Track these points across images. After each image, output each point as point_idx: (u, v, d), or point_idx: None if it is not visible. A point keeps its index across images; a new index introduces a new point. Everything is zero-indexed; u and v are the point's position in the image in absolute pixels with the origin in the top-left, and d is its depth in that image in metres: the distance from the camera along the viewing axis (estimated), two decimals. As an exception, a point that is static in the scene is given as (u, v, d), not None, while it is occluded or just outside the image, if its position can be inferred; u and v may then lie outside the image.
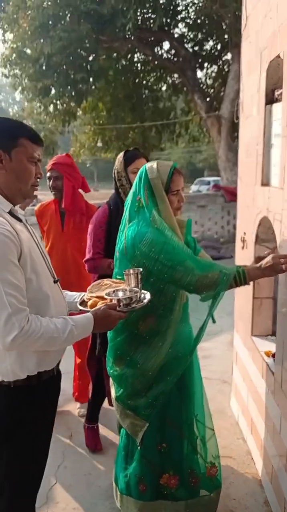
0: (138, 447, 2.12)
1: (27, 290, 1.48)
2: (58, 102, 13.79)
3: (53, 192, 3.27)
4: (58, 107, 13.98)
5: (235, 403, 3.30)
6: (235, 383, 3.33)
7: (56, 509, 2.40)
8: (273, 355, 2.44)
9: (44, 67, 12.35)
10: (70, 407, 3.46)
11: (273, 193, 2.36)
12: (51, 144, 15.83)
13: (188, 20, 12.98)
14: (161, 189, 1.94)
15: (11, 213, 1.54)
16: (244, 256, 3.04)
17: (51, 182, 3.24)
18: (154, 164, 1.99)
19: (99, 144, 15.78)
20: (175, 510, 2.16)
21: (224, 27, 12.22)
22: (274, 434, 2.27)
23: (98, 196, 16.04)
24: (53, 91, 13.19)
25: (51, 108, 14.18)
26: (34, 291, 1.51)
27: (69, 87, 12.79)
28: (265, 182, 2.60)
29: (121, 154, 2.65)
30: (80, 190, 3.32)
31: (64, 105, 13.90)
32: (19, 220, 1.58)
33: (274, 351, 2.39)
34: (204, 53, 13.72)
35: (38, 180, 1.59)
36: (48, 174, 3.23)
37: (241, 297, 3.20)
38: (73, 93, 13.09)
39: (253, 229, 2.80)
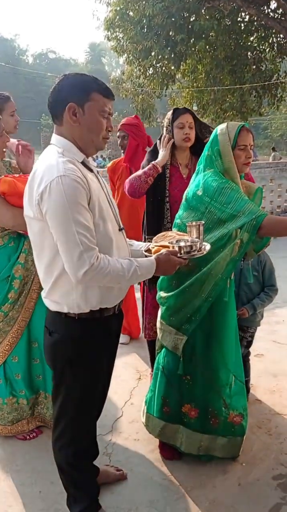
0: (162, 370, 2.35)
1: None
2: (157, 64, 13.75)
3: (122, 150, 3.66)
4: (157, 70, 13.95)
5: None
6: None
7: (119, 438, 2.66)
8: None
9: (145, 29, 12.36)
10: (139, 352, 3.72)
11: None
12: (149, 107, 15.86)
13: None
14: (226, 144, 2.11)
15: (83, 163, 1.68)
16: None
17: (119, 141, 3.63)
18: (225, 124, 2.17)
19: (195, 107, 15.50)
20: (190, 439, 2.36)
21: None
22: None
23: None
24: (153, 53, 13.16)
25: (150, 70, 14.18)
26: (100, 235, 1.64)
27: (168, 48, 12.68)
28: None
29: (170, 112, 2.82)
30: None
31: (163, 68, 13.83)
32: (91, 170, 1.72)
33: None
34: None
35: (109, 132, 1.70)
36: (117, 134, 3.59)
37: None
38: (172, 55, 12.96)
39: None
